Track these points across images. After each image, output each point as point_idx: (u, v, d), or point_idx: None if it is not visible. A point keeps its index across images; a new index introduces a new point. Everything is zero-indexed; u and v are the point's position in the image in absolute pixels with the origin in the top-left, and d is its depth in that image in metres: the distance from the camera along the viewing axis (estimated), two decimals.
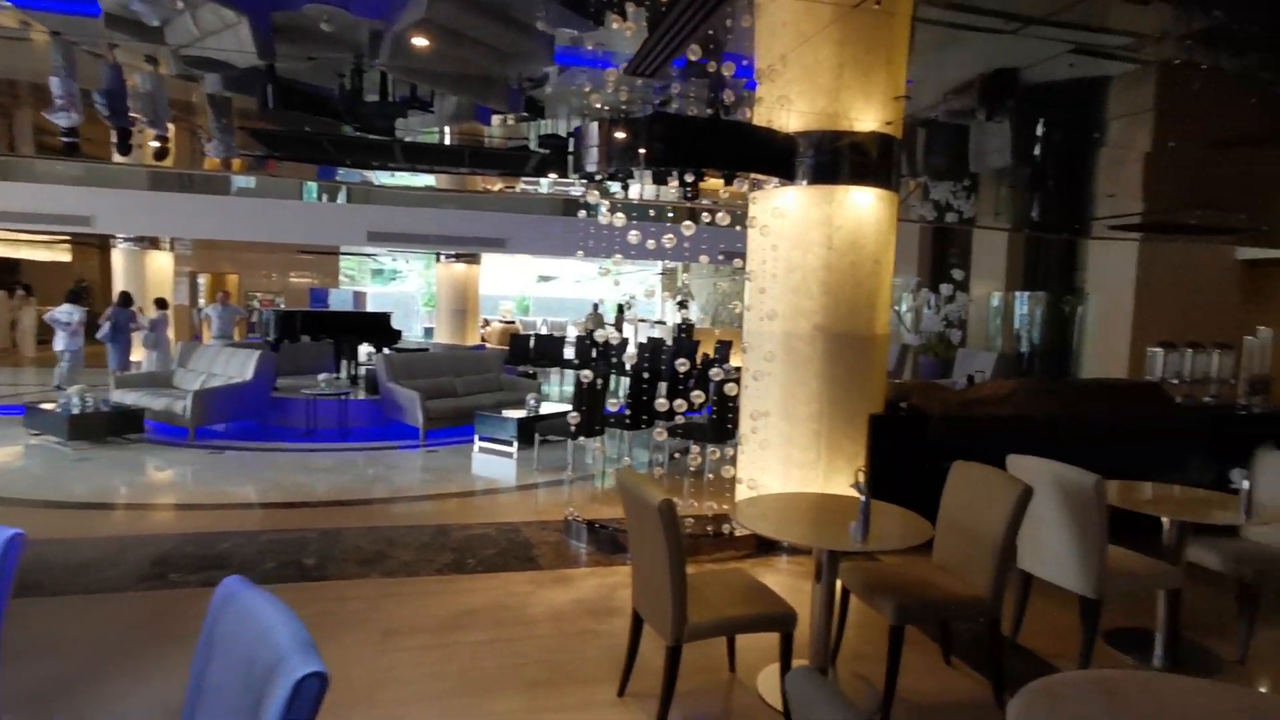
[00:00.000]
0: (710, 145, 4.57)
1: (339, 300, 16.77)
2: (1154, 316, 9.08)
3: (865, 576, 3.11)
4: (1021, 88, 10.10)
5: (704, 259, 5.04)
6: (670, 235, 4.56)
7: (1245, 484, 3.27)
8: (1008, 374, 10.27)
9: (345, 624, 3.56)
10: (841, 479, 4.67)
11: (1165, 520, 3.45)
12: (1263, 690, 3.39)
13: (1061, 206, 10.09)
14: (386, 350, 10.22)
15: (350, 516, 5.30)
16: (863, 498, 2.76)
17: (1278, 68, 4.72)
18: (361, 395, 8.90)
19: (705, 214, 4.69)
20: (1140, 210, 8.60)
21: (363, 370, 10.06)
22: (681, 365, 4.51)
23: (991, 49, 7.18)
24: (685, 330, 12.01)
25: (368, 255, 20.43)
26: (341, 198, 14.12)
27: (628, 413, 6.29)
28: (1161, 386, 5.68)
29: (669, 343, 12.02)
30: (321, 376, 8.45)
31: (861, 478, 2.79)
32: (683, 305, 15.58)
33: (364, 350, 10.84)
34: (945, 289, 11.45)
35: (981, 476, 3.18)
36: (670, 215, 12.60)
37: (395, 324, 12.20)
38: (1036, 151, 10.53)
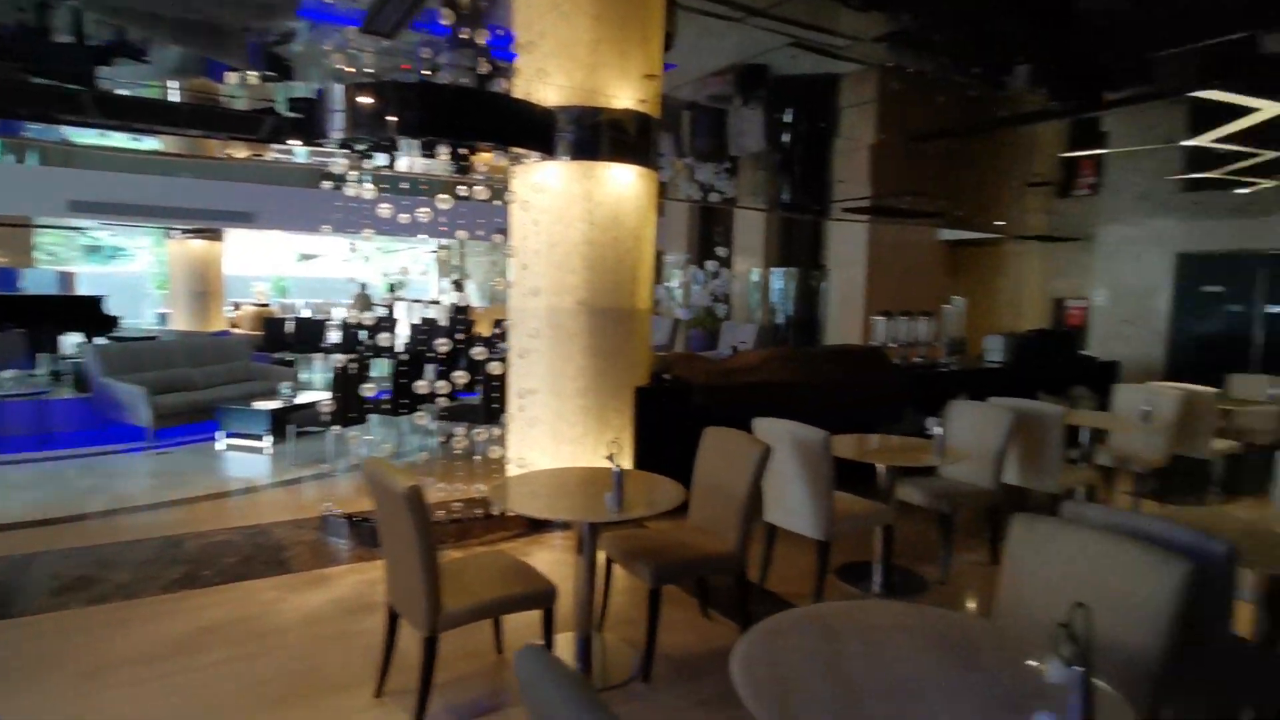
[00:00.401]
0: (466, 115, 4.38)
1: (38, 282, 14.02)
2: (881, 289, 10.34)
3: (626, 545, 3.19)
4: (770, 80, 10.95)
5: (466, 235, 4.86)
6: (427, 210, 4.33)
7: (938, 430, 3.82)
8: (767, 343, 11.19)
9: (35, 668, 2.99)
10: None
11: (880, 466, 3.94)
12: (956, 609, 4.00)
13: (806, 190, 11.14)
14: (100, 340, 8.75)
15: (46, 539, 4.46)
16: (616, 469, 2.81)
17: (961, 70, 5.54)
18: (68, 394, 7.56)
19: (466, 188, 4.51)
20: (866, 195, 9.72)
21: (72, 364, 8.53)
22: (442, 346, 4.32)
23: (742, 40, 7.68)
24: (461, 310, 11.63)
25: (75, 229, 17.34)
26: (33, 160, 11.76)
27: (385, 399, 5.95)
28: (882, 350, 6.49)
29: (444, 323, 11.59)
30: (8, 374, 7.03)
31: (615, 450, 2.84)
32: (458, 285, 15.09)
33: (72, 341, 9.21)
34: (711, 265, 12.19)
35: (729, 440, 3.40)
36: (417, 189, 12.11)
37: (116, 309, 10.50)
38: (785, 139, 11.53)
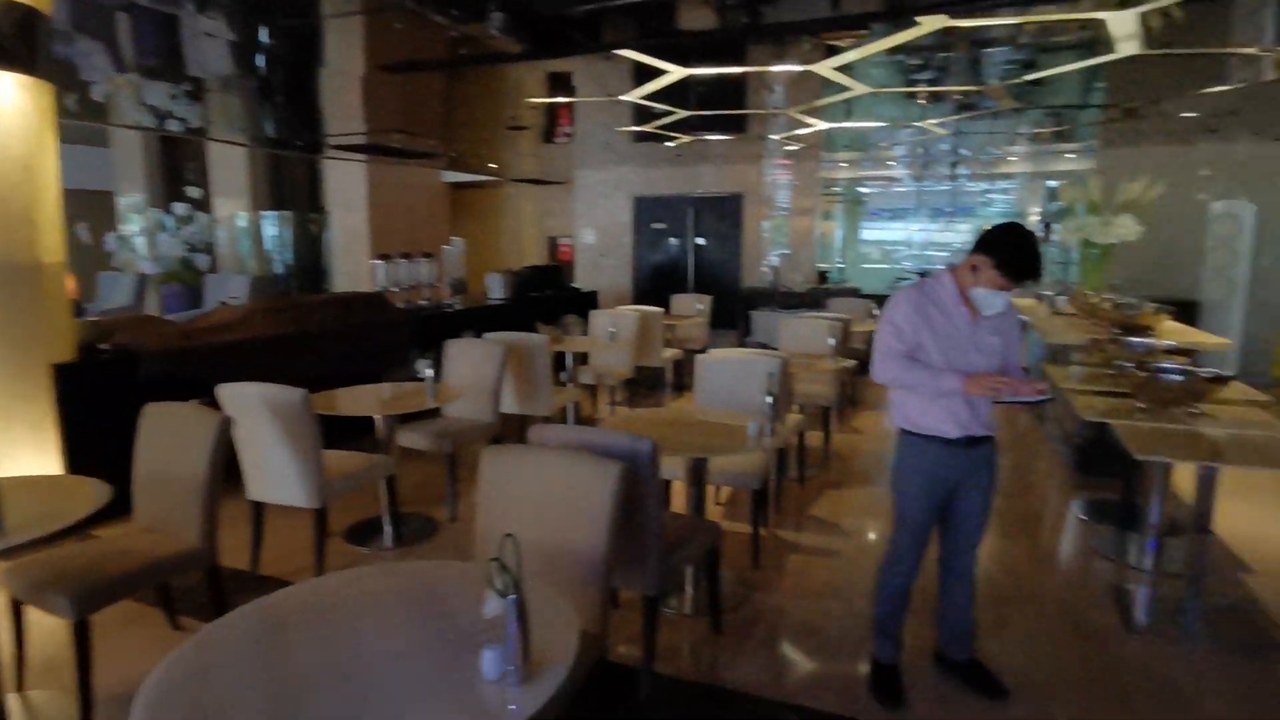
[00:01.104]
0: None
1: None
2: (386, 233, 10.02)
3: (33, 574, 2.42)
4: None
5: None
6: None
7: (429, 372, 3.78)
8: (266, 295, 9.97)
9: None
10: (25, 454, 3.63)
11: (376, 417, 3.75)
12: (464, 545, 4.10)
13: (293, 123, 10.05)
14: None
15: None
16: None
17: (425, 3, 5.43)
18: None
19: None
20: (358, 131, 9.20)
21: None
22: None
23: None
24: None
25: None
26: None
27: None
28: (384, 295, 6.25)
29: None
30: None
31: None
32: None
33: None
34: (182, 209, 10.27)
35: (178, 416, 2.80)
36: None
37: None
38: (261, 61, 10.14)
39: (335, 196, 10.60)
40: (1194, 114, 7.72)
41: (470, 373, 4.50)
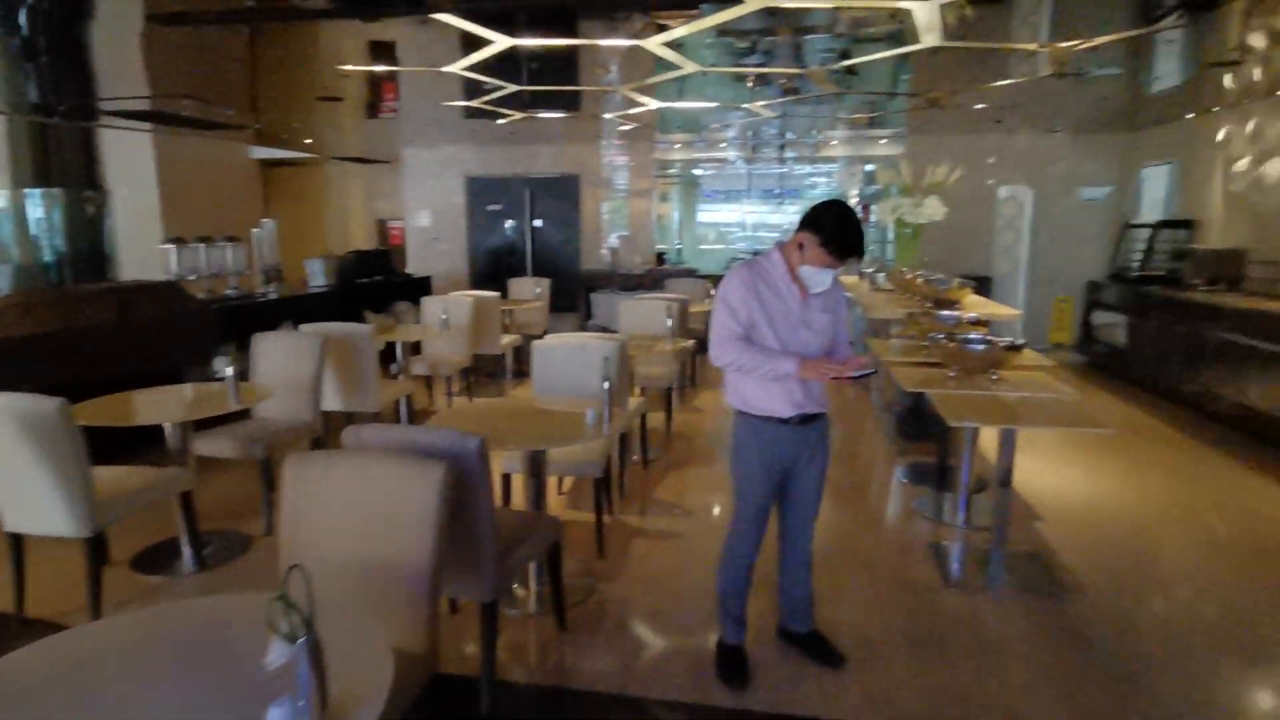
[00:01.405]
0: None
1: None
2: (184, 215, 8.91)
3: None
4: None
5: None
6: None
7: (229, 371, 3.35)
8: (28, 287, 8.57)
9: None
10: None
11: (166, 425, 3.27)
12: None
13: (59, 85, 8.66)
14: None
15: None
16: None
17: None
18: None
19: None
20: (140, 96, 8.09)
21: None
22: None
23: None
24: None
25: None
26: None
27: None
28: (179, 284, 5.53)
29: None
30: None
31: None
32: None
33: None
34: None
35: None
36: None
37: None
38: (20, 16, 8.65)
39: (116, 172, 9.29)
40: (984, 106, 8.49)
41: (284, 369, 4.06)
